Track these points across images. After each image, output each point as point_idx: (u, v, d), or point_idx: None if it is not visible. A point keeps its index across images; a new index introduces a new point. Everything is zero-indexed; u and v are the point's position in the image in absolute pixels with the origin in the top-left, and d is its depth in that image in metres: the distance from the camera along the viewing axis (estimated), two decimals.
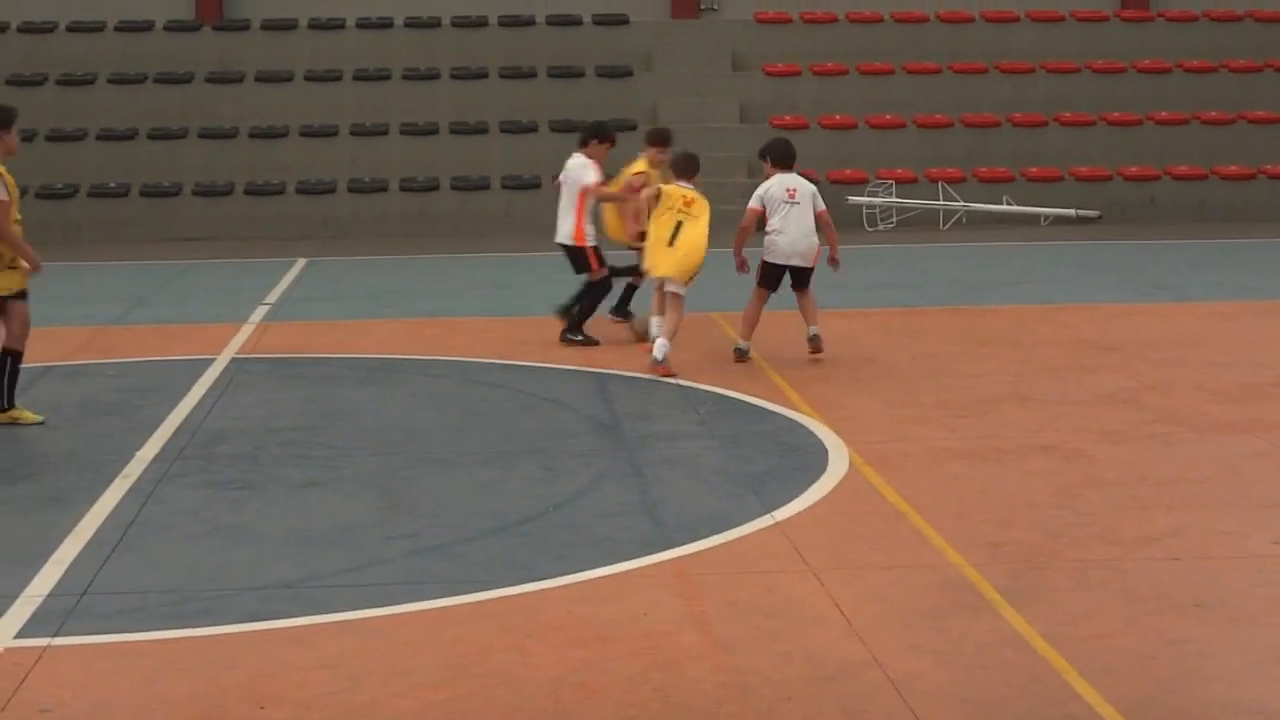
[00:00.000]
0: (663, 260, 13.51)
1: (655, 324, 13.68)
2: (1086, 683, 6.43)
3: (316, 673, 6.62)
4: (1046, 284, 19.26)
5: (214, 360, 14.03)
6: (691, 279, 13.64)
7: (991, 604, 7.39)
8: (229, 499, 9.50)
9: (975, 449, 10.54)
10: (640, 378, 13.12)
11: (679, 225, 13.56)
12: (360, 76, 29.20)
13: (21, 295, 11.73)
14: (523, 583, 7.77)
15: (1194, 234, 25.27)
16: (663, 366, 13.11)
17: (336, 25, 29.99)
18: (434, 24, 30.06)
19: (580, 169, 14.84)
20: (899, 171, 27.76)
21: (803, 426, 11.25)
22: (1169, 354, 13.97)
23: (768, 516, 8.88)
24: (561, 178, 15.09)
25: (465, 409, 12.24)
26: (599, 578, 7.87)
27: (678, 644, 6.93)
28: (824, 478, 9.75)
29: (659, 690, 6.43)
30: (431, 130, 28.30)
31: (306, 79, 29.13)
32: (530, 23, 30.04)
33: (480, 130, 28.32)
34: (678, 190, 13.71)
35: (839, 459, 10.22)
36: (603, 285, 14.88)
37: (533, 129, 28.30)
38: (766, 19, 30.48)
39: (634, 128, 28.05)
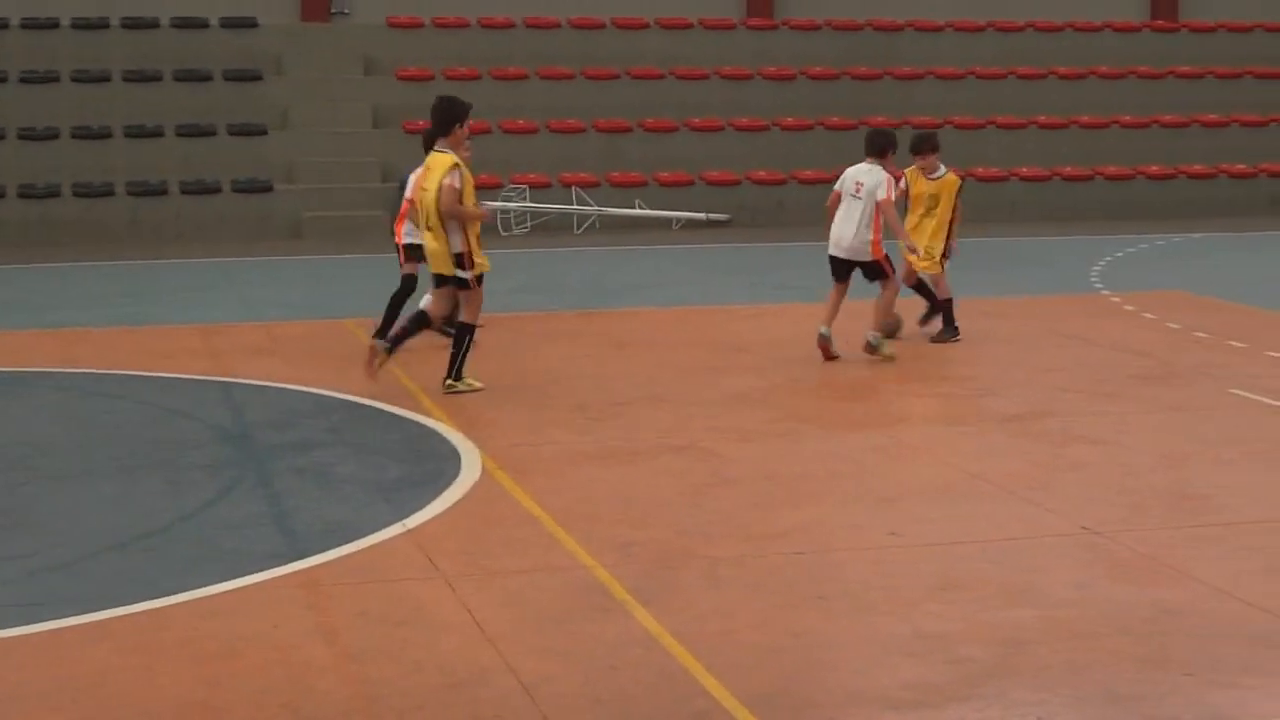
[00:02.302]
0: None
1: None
2: (714, 678, 6.54)
3: None
4: (679, 286, 19.59)
5: None
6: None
7: (622, 604, 7.46)
8: None
9: (609, 450, 10.65)
10: (269, 385, 12.89)
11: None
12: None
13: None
14: (146, 599, 7.55)
15: (820, 236, 25.93)
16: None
17: None
18: (53, 25, 29.06)
19: (881, 182, 13.98)
20: (532, 176, 27.91)
21: (436, 433, 11.20)
22: (796, 352, 14.31)
23: (399, 524, 8.81)
24: (851, 188, 14.16)
25: (89, 422, 11.86)
26: (226, 591, 7.69)
27: (306, 657, 6.82)
28: (456, 484, 9.72)
29: (287, 705, 6.32)
30: (53, 134, 27.35)
31: None
32: (155, 25, 29.29)
33: (104, 135, 27.48)
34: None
35: (472, 464, 10.21)
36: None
37: (159, 133, 27.58)
38: (398, 23, 30.32)
39: (264, 132, 27.66)
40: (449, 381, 12.54)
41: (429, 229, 12.48)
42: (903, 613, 7.35)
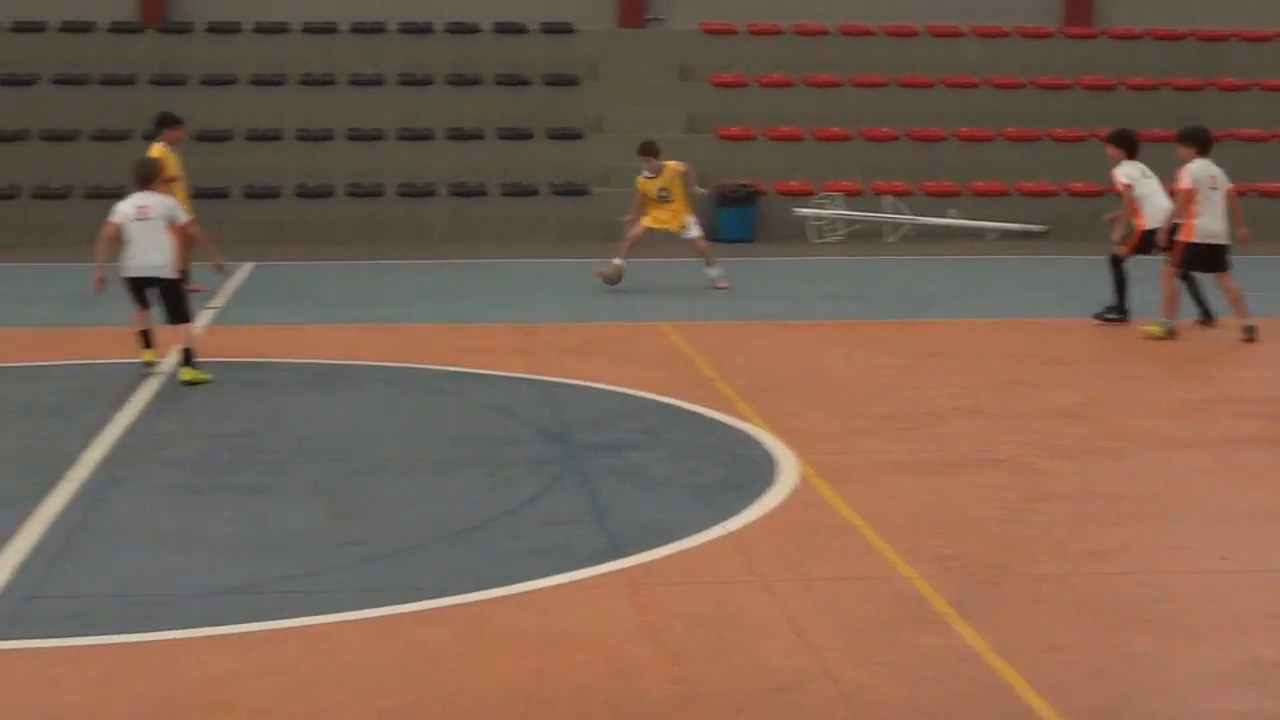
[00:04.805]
0: None
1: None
2: (1039, 695, 6.43)
3: (267, 679, 6.56)
4: (991, 297, 19.34)
5: (161, 363, 13.91)
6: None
7: (943, 617, 7.39)
8: (176, 504, 9.41)
9: (924, 462, 10.56)
10: (586, 385, 13.09)
11: None
12: (306, 81, 29.07)
13: None
14: (473, 591, 7.72)
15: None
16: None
17: (281, 29, 29.84)
18: (379, 29, 29.96)
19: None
20: (845, 184, 27.83)
21: (751, 437, 11.24)
22: (1115, 367, 14.02)
23: (718, 527, 8.86)
24: (1208, 181, 15.73)
25: (412, 415, 12.18)
26: (549, 587, 7.82)
27: (629, 654, 6.90)
28: (773, 489, 9.73)
29: (609, 701, 6.40)
30: (378, 136, 28.20)
31: (251, 83, 28.97)
32: (476, 30, 29.98)
33: (426, 136, 28.24)
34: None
35: (788, 470, 10.21)
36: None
37: (479, 136, 28.24)
38: (713, 29, 30.53)
39: (580, 136, 28.09)
40: None
41: None
42: (1237, 640, 7.13)
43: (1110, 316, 16.66)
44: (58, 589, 7.78)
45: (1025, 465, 10.47)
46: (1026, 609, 7.56)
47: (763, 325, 16.90)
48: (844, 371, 13.93)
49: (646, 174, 19.39)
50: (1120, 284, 16.68)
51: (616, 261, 19.27)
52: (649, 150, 19.47)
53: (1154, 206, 16.32)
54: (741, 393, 12.75)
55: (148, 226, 13.29)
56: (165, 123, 18.91)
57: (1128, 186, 16.46)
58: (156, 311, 13.58)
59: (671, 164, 19.44)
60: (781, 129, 28.79)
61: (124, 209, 13.41)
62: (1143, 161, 16.74)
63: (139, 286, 13.47)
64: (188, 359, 13.24)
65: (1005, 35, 30.84)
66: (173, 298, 13.45)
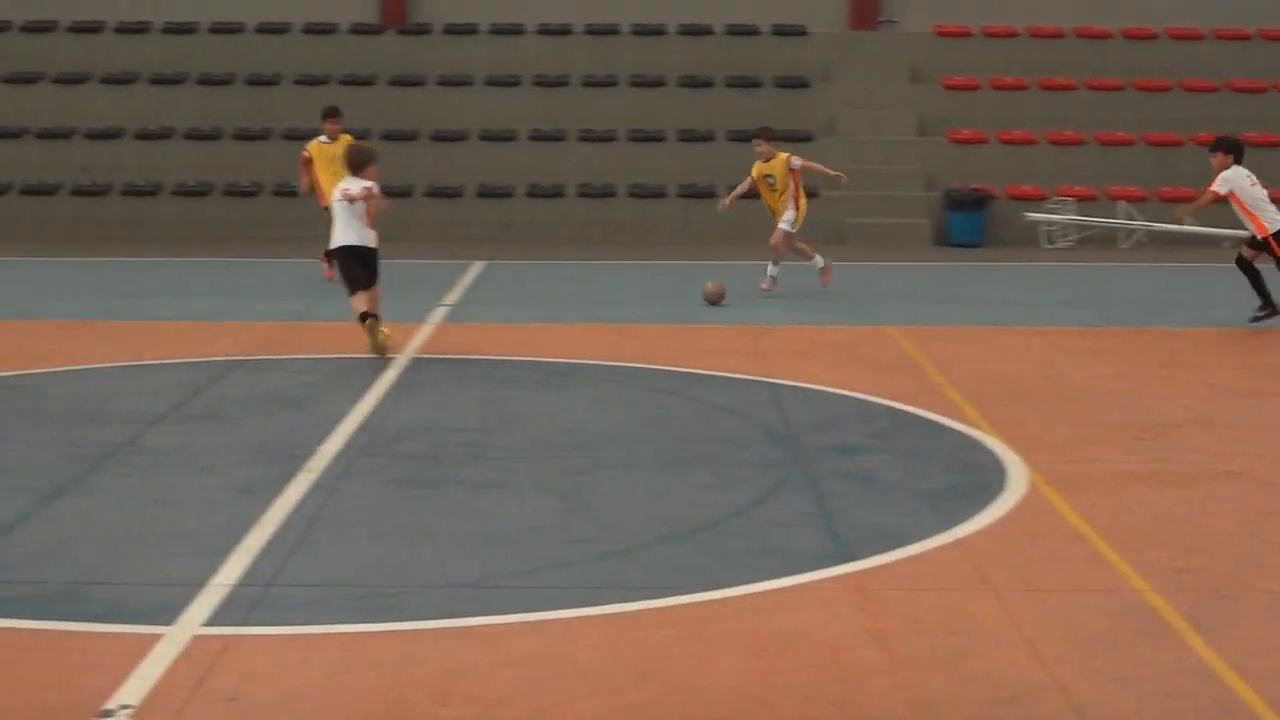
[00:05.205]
0: None
1: None
2: (1278, 716, 6.29)
3: (500, 672, 6.67)
4: (1228, 307, 18.88)
5: (395, 359, 14.20)
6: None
7: (1177, 631, 7.26)
8: (410, 496, 9.62)
9: (1159, 473, 10.36)
10: (813, 388, 13.08)
11: None
12: (540, 82, 29.41)
13: None
14: (701, 590, 7.77)
15: None
16: None
17: (516, 30, 30.22)
18: (613, 30, 30.20)
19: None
20: (1079, 189, 27.41)
21: (980, 444, 11.13)
22: None
23: (947, 534, 8.80)
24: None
25: (640, 414, 12.28)
26: (777, 589, 7.84)
27: (857, 659, 6.89)
28: (1003, 496, 9.64)
29: (837, 704, 6.39)
30: (609, 137, 28.44)
31: (486, 84, 29.39)
32: (709, 32, 30.07)
33: (657, 138, 28.41)
34: None
35: (1018, 478, 10.10)
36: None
37: (709, 138, 28.33)
38: (946, 32, 30.25)
39: (810, 139, 28.01)
40: None
41: None
42: None
43: (1260, 315, 16.74)
44: (296, 577, 7.98)
45: (1264, 480, 10.23)
46: (1265, 625, 7.39)
47: (992, 330, 16.74)
48: (1075, 379, 13.72)
49: (761, 160, 19.40)
50: (1256, 281, 16.91)
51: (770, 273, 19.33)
52: (767, 135, 19.44)
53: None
54: (971, 398, 12.63)
55: (353, 208, 14.27)
56: (324, 115, 20.58)
57: None
58: (362, 277, 14.27)
59: (782, 155, 19.38)
60: (1014, 132, 28.44)
61: (336, 191, 14.65)
62: None
63: (347, 262, 14.38)
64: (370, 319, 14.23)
65: (1247, 38, 30.08)
66: (371, 262, 14.43)
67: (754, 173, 19.57)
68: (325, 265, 19.44)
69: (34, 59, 29.54)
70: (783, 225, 19.26)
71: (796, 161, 19.27)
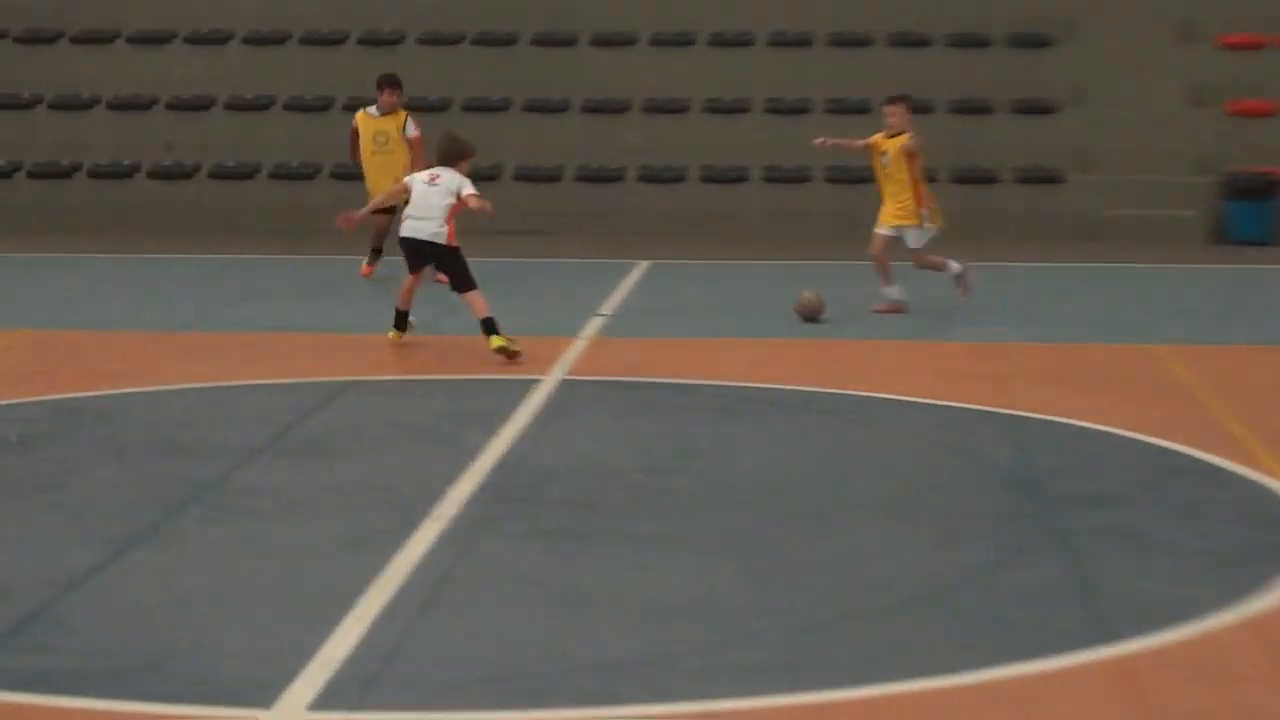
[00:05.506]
0: None
1: None
2: None
3: None
4: None
5: (540, 381, 14.23)
6: None
7: None
8: (561, 553, 9.59)
9: None
10: (1062, 422, 12.89)
11: None
12: (717, 42, 29.39)
13: None
14: (925, 676, 7.63)
15: None
16: None
17: None
18: None
19: None
20: None
21: (1275, 494, 10.94)
22: None
23: (1235, 609, 8.59)
24: None
25: (844, 453, 12.24)
26: (1021, 676, 7.69)
27: None
28: None
29: None
30: (802, 108, 28.34)
31: (651, 43, 29.43)
32: None
33: (861, 109, 28.20)
34: None
35: None
36: None
37: (927, 109, 28.04)
38: None
39: (1050, 110, 27.72)
40: None
41: None
42: None
43: None
44: (421, 652, 7.95)
45: None
46: None
47: None
48: None
49: (885, 133, 18.63)
50: None
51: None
52: (908, 104, 18.98)
53: None
54: (1262, 437, 12.42)
55: (433, 192, 15.48)
56: (381, 84, 21.31)
57: None
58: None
59: (904, 135, 18.51)
60: None
61: (423, 174, 15.91)
62: None
63: (410, 251, 15.75)
64: (489, 328, 15.11)
65: None
66: (452, 264, 15.65)
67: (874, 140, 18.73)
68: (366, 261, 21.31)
69: (108, 16, 30.09)
70: (910, 238, 18.55)
71: (913, 144, 18.42)
